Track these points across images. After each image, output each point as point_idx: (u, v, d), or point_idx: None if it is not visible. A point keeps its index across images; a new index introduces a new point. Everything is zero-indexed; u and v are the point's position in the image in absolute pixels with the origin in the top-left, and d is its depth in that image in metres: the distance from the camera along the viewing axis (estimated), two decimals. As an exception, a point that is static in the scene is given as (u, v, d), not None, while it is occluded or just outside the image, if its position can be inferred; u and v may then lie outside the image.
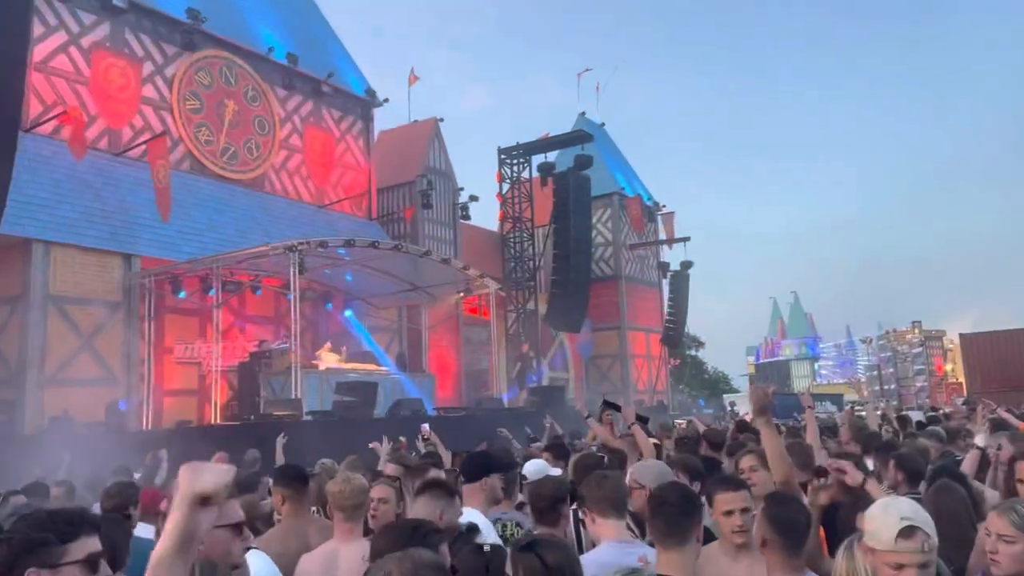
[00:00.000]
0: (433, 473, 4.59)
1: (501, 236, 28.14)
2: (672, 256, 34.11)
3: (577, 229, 25.30)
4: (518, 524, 3.80)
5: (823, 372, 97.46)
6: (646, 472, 3.86)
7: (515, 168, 27.68)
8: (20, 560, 1.84)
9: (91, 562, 1.93)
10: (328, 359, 17.23)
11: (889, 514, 2.29)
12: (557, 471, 4.51)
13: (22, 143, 13.17)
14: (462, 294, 20.55)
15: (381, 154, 24.58)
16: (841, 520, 3.60)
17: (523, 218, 27.30)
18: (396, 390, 17.42)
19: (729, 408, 27.19)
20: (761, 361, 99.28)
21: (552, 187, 25.75)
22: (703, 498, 3.27)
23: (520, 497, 4.39)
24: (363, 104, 23.56)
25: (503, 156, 27.70)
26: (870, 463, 5.17)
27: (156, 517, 4.42)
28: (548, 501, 3.44)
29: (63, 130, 15.24)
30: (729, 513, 3.06)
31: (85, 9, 16.59)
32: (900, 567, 2.22)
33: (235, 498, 2.67)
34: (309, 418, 14.05)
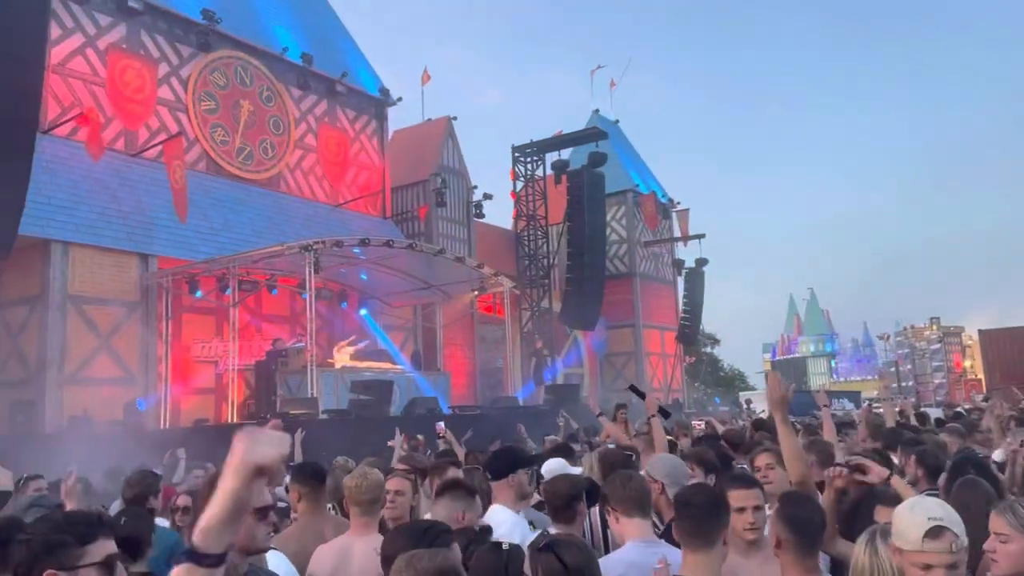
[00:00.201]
0: (452, 472, 4.60)
1: (515, 234, 28.12)
2: (687, 253, 33.97)
3: (591, 227, 25.25)
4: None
5: (840, 369, 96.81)
6: (659, 466, 3.85)
7: (529, 166, 27.65)
8: (39, 561, 1.86)
9: (108, 564, 1.94)
10: (344, 356, 17.28)
11: (917, 514, 2.26)
12: (577, 470, 4.50)
13: (40, 145, 13.30)
14: (476, 292, 20.56)
15: (395, 153, 24.63)
16: (857, 510, 3.59)
17: (537, 216, 27.26)
18: (411, 388, 17.47)
19: (745, 406, 27.05)
20: (777, 358, 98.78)
21: (566, 185, 25.70)
22: None
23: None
24: (377, 103, 23.62)
25: (517, 154, 27.67)
26: (895, 459, 5.12)
27: (173, 513, 4.47)
28: (564, 499, 3.43)
29: (80, 131, 15.36)
30: (741, 510, 3.06)
31: (101, 11, 16.71)
32: (928, 568, 2.19)
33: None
34: (325, 416, 14.10)
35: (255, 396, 16.61)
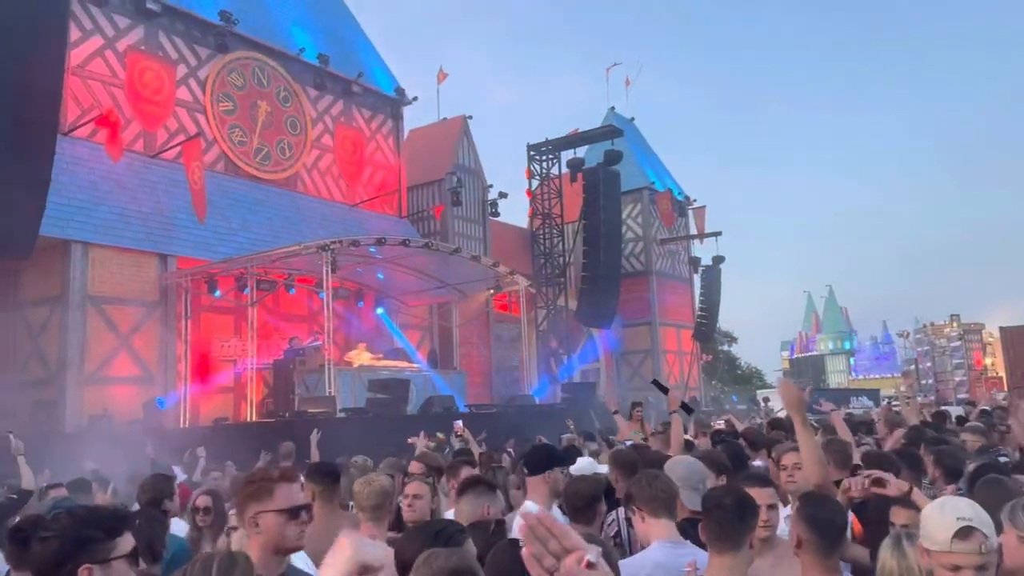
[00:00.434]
0: (466, 472, 4.62)
1: (531, 233, 28.13)
2: (704, 251, 33.83)
3: (607, 224, 25.21)
4: None
5: (859, 367, 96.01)
6: (676, 469, 3.85)
7: (544, 164, 27.64)
8: (71, 556, 1.90)
9: (134, 555, 2.00)
10: (361, 355, 17.36)
11: (945, 514, 2.24)
12: (604, 468, 4.53)
13: (60, 146, 13.43)
14: (492, 291, 20.58)
15: (411, 152, 24.69)
16: (871, 513, 3.56)
17: (553, 214, 27.25)
18: (427, 387, 17.51)
19: (763, 404, 26.92)
20: (795, 356, 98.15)
21: (582, 183, 25.67)
22: None
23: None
24: (393, 103, 23.69)
25: (532, 153, 27.67)
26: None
27: (194, 514, 4.51)
28: (585, 499, 3.44)
29: (100, 133, 15.50)
30: None
31: (120, 13, 16.86)
32: (957, 569, 2.17)
33: (295, 481, 2.73)
34: (343, 415, 14.17)
35: (273, 395, 16.72)
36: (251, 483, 2.70)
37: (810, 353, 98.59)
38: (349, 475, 4.92)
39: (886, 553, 2.46)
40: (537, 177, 27.65)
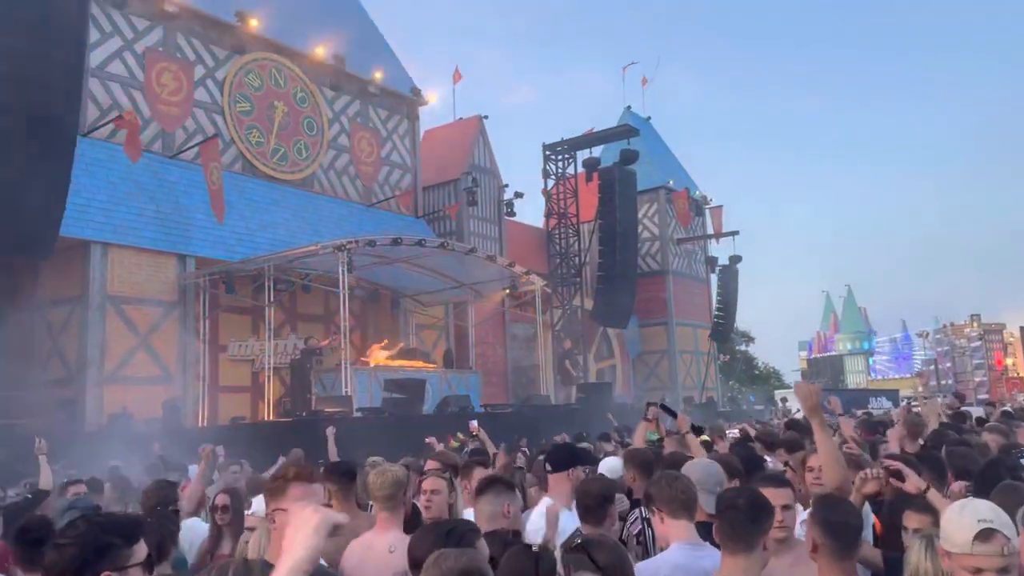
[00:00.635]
0: (479, 472, 4.63)
1: (546, 232, 28.10)
2: (721, 250, 33.68)
3: (623, 224, 25.15)
4: None
5: (878, 367, 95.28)
6: (692, 471, 3.84)
7: (560, 164, 27.61)
8: (90, 563, 1.91)
9: (148, 563, 2.01)
10: (378, 355, 17.41)
11: (966, 516, 2.21)
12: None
13: (80, 147, 13.55)
14: (508, 291, 20.58)
15: (427, 152, 24.74)
16: (886, 515, 3.53)
17: (568, 214, 27.21)
18: (443, 387, 17.55)
19: (780, 404, 26.75)
20: (813, 356, 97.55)
21: (597, 182, 25.62)
22: None
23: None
24: (408, 103, 23.74)
25: (548, 152, 27.64)
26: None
27: (213, 512, 4.54)
28: (596, 499, 3.45)
29: (119, 134, 15.63)
30: None
31: (138, 15, 16.99)
32: (978, 571, 2.14)
33: (310, 481, 2.75)
34: (359, 414, 14.22)
35: (290, 394, 16.79)
36: (271, 481, 2.77)
37: (828, 353, 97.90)
38: (364, 475, 4.94)
39: (920, 555, 2.43)
40: (553, 177, 27.63)
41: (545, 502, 3.92)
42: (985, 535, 2.14)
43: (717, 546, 2.84)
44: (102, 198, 15.34)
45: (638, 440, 6.04)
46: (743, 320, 54.80)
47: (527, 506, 4.51)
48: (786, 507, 3.09)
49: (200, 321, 16.53)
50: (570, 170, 27.55)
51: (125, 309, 15.36)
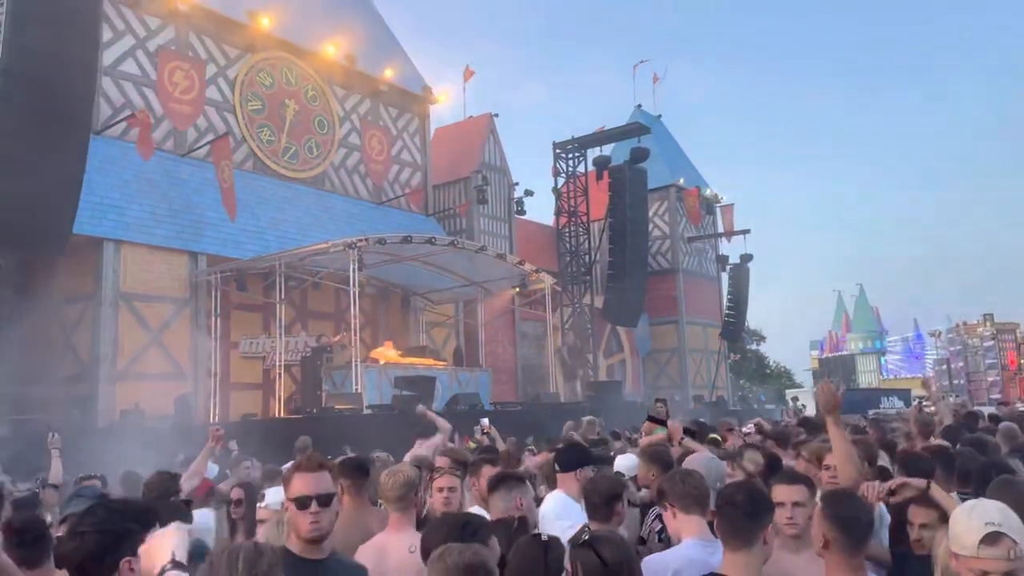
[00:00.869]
0: (487, 470, 4.66)
1: (556, 231, 28.10)
2: (732, 248, 33.57)
3: (633, 223, 25.11)
4: None
5: (890, 367, 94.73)
6: (693, 467, 3.86)
7: (570, 162, 27.60)
8: (111, 549, 1.94)
9: None
10: (387, 356, 17.45)
11: (974, 519, 2.21)
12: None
13: (93, 145, 13.64)
14: (518, 289, 20.61)
15: (437, 150, 24.76)
16: (892, 510, 3.54)
17: (579, 212, 27.20)
18: (453, 384, 17.58)
19: (792, 404, 26.66)
20: (825, 355, 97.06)
21: (608, 181, 25.59)
22: None
23: None
24: (419, 101, 23.76)
25: (558, 150, 27.64)
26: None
27: (228, 506, 4.58)
28: (603, 497, 3.48)
29: (131, 132, 15.72)
30: (780, 505, 3.10)
31: (151, 14, 17.07)
32: (984, 575, 2.14)
33: (312, 470, 2.78)
34: (369, 411, 14.27)
35: (301, 391, 16.86)
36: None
37: (840, 353, 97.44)
38: (373, 469, 4.96)
39: (948, 553, 2.43)
40: (563, 175, 27.62)
41: (554, 494, 3.97)
42: (992, 538, 2.13)
43: None
44: (115, 196, 15.44)
45: (645, 439, 6.04)
46: (754, 319, 54.54)
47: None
48: (798, 504, 3.11)
49: (212, 318, 16.62)
50: (580, 168, 27.54)
51: (137, 306, 15.45)
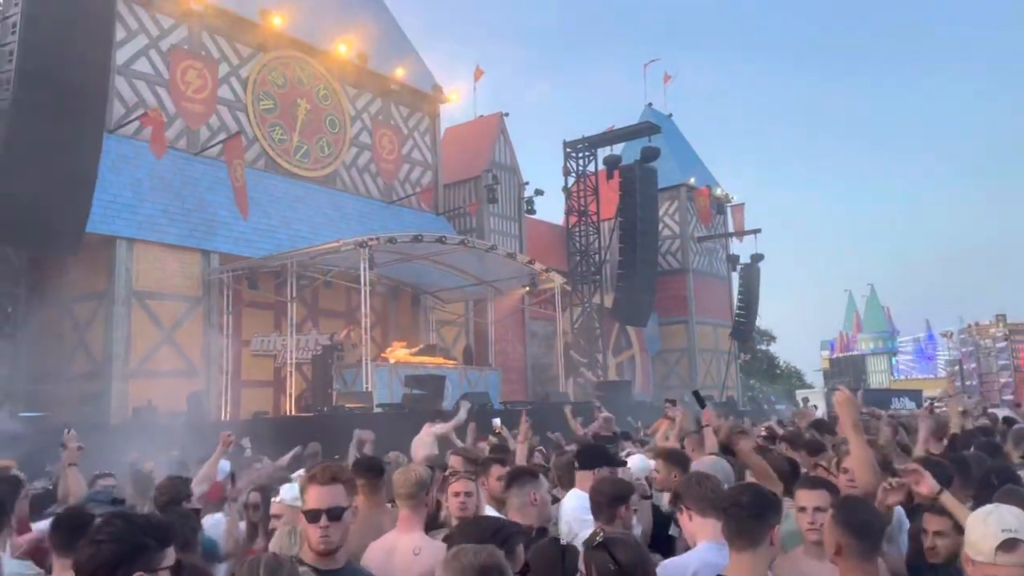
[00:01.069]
0: (496, 469, 4.68)
1: (566, 230, 28.09)
2: (742, 248, 33.48)
3: (644, 222, 25.07)
4: None
5: (901, 367, 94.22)
6: (703, 468, 3.87)
7: (580, 161, 27.59)
8: (126, 562, 1.94)
9: (177, 569, 2.05)
10: (397, 354, 17.50)
11: (990, 525, 2.20)
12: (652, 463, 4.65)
13: (106, 144, 13.74)
14: (528, 288, 20.62)
15: (447, 150, 24.80)
16: (911, 520, 3.52)
17: (589, 211, 27.19)
18: (463, 383, 17.61)
19: (803, 404, 26.57)
20: (836, 355, 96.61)
21: (618, 180, 25.56)
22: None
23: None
24: (430, 100, 23.80)
25: (568, 150, 27.63)
26: None
27: (246, 509, 4.60)
28: (607, 498, 3.51)
29: (144, 131, 15.81)
30: (802, 510, 3.14)
31: (164, 13, 17.16)
32: None
33: (323, 483, 2.78)
34: (379, 410, 14.30)
35: (312, 389, 16.93)
36: (302, 479, 2.84)
37: (851, 353, 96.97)
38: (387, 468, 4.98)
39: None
40: (573, 174, 27.61)
41: (578, 493, 4.01)
42: (1009, 545, 2.12)
43: None
44: (128, 194, 15.53)
45: (660, 439, 6.04)
46: (764, 319, 54.38)
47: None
48: (819, 509, 3.11)
49: (223, 316, 16.70)
50: (591, 167, 27.52)
51: (150, 304, 15.55)
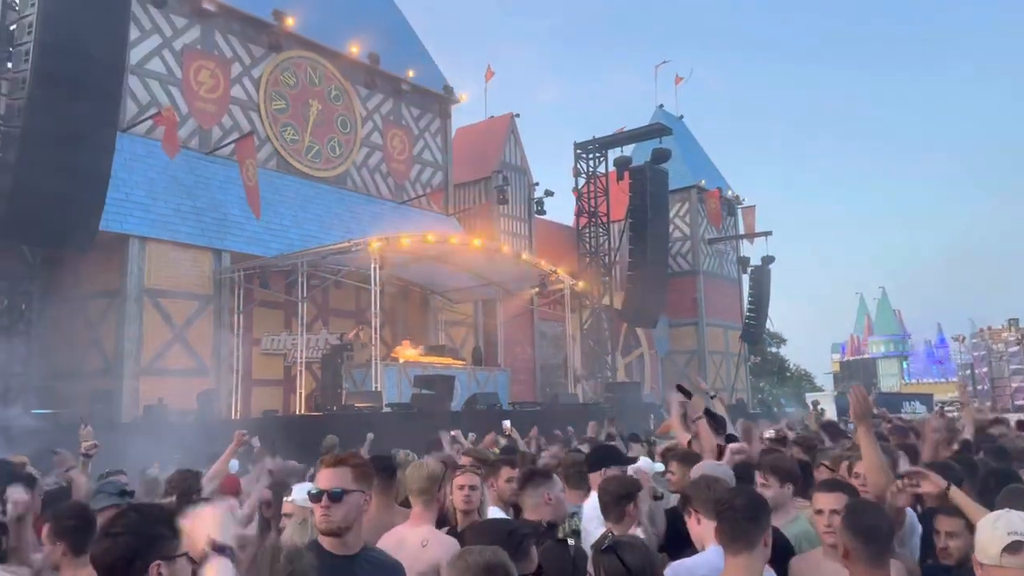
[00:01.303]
0: (506, 471, 4.70)
1: (576, 231, 28.09)
2: (753, 250, 33.41)
3: (654, 224, 25.06)
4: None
5: (912, 371, 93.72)
6: (700, 472, 3.87)
7: (591, 163, 27.59)
8: (142, 552, 1.97)
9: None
10: (406, 354, 17.53)
11: (998, 528, 2.22)
12: (659, 466, 4.66)
13: (119, 143, 13.82)
14: (537, 289, 20.63)
15: (458, 150, 24.84)
16: (924, 525, 3.52)
17: (599, 213, 27.18)
18: (472, 384, 17.63)
19: (812, 408, 26.46)
20: (846, 359, 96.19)
21: (628, 181, 25.54)
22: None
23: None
24: (441, 101, 23.84)
25: (579, 151, 27.63)
26: None
27: (259, 506, 4.63)
28: (613, 498, 3.54)
29: (157, 130, 15.89)
30: (819, 512, 3.16)
31: (177, 13, 17.26)
32: None
33: (330, 466, 2.82)
34: (388, 410, 14.34)
35: (321, 388, 16.97)
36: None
37: (862, 356, 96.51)
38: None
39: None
40: (584, 175, 27.60)
41: (593, 495, 4.05)
42: (1014, 548, 2.14)
43: None
44: (140, 193, 15.62)
45: (678, 430, 5.93)
46: (775, 321, 54.10)
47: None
48: (836, 512, 3.11)
49: (234, 315, 16.77)
50: (601, 169, 27.52)
51: (162, 302, 15.63)
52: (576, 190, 27.84)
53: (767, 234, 32.05)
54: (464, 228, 23.67)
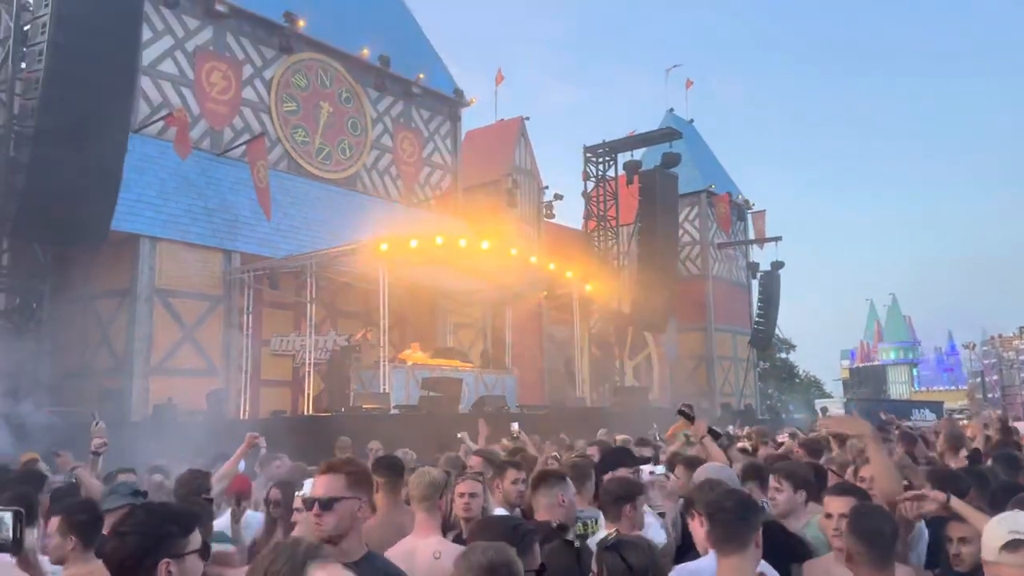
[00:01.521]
0: (512, 473, 4.71)
1: (586, 235, 28.08)
2: (763, 255, 33.34)
3: (663, 228, 25.05)
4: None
5: (922, 378, 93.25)
6: (703, 475, 3.88)
7: (601, 166, 27.59)
8: (152, 551, 2.00)
9: (204, 551, 2.10)
10: (414, 356, 17.55)
11: (1000, 527, 2.27)
12: (660, 468, 4.71)
13: (131, 144, 13.92)
14: (546, 293, 20.61)
15: (468, 153, 24.87)
16: (932, 531, 3.51)
17: (608, 217, 27.17)
18: (480, 386, 17.64)
19: (821, 415, 26.36)
20: (856, 365, 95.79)
21: (638, 185, 25.54)
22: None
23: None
24: (451, 104, 23.89)
25: (588, 154, 27.64)
26: None
27: (267, 505, 4.65)
28: (612, 497, 3.58)
29: (169, 131, 15.98)
30: (828, 516, 3.21)
31: (189, 15, 17.36)
32: None
33: (325, 472, 2.82)
34: (396, 412, 14.37)
35: (329, 390, 17.01)
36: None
37: (871, 363, 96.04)
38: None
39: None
40: (593, 179, 27.60)
41: None
42: (1013, 546, 2.19)
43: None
44: (152, 193, 15.70)
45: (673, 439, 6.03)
46: (784, 327, 54.03)
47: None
48: (844, 516, 3.12)
49: (244, 315, 16.82)
50: (611, 172, 27.52)
51: (172, 302, 15.71)
52: (585, 194, 27.84)
53: (777, 239, 31.99)
54: (473, 231, 23.67)
